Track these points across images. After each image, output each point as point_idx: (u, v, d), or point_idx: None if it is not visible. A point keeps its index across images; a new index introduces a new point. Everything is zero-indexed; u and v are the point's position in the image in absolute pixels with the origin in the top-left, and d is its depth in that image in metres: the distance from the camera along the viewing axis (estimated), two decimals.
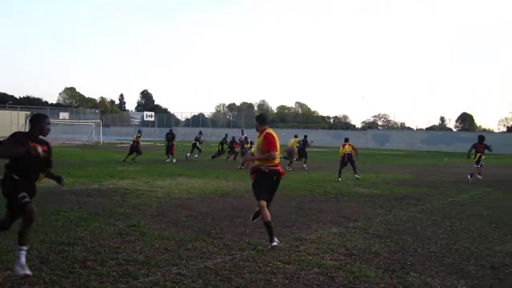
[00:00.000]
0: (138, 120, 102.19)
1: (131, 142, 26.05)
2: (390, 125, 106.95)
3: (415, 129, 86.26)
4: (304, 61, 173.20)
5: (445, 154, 43.84)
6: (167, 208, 10.15)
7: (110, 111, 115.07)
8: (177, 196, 12.10)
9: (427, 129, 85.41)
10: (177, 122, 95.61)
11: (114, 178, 15.81)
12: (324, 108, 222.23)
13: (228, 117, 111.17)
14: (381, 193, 13.79)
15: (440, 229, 8.77)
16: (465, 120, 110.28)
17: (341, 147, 18.91)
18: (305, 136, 25.56)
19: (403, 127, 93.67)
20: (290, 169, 21.28)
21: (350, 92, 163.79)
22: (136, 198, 11.52)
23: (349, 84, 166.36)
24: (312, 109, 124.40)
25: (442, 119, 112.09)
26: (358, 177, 17.73)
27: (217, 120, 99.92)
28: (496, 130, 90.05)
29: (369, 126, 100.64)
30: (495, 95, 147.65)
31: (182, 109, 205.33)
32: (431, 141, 60.70)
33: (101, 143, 47.54)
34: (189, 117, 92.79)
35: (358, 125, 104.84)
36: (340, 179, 17.04)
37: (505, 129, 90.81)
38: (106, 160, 24.80)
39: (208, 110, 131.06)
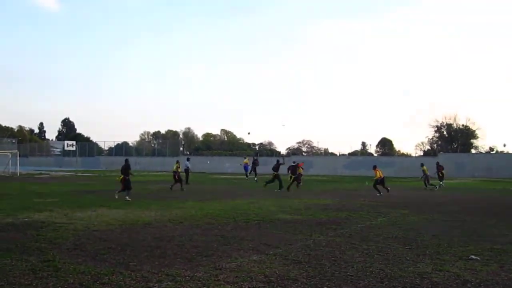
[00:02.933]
0: (58, 150, 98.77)
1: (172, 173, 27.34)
2: (314, 151, 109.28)
3: (338, 154, 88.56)
4: (228, 88, 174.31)
5: (366, 178, 45.25)
6: (85, 241, 9.85)
7: (29, 140, 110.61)
8: (96, 228, 11.76)
9: (349, 154, 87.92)
10: (100, 151, 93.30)
11: (30, 210, 15.16)
12: (250, 135, 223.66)
13: (153, 145, 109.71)
14: (302, 219, 14.02)
15: (357, 252, 9.02)
16: (385, 145, 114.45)
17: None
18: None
19: (326, 153, 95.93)
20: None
21: (274, 119, 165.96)
22: (53, 231, 11.10)
23: (273, 111, 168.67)
24: (238, 136, 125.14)
25: (363, 144, 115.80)
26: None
27: (142, 148, 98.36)
28: (413, 154, 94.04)
29: (294, 152, 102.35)
30: (412, 121, 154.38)
31: (105, 138, 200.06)
32: (352, 166, 62.48)
33: (18, 174, 45.49)
34: (113, 146, 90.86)
35: (283, 151, 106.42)
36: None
37: (421, 153, 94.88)
38: (23, 192, 23.74)
39: (132, 139, 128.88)
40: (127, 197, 19.66)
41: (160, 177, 46.27)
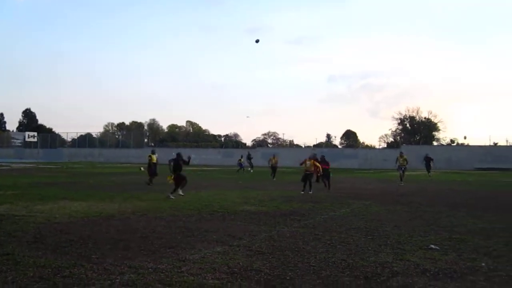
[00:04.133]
0: (19, 141, 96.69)
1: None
2: (279, 143, 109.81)
3: (303, 146, 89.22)
4: (193, 80, 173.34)
5: (331, 169, 45.68)
6: (46, 234, 9.67)
7: None
8: (58, 220, 11.57)
9: (314, 146, 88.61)
10: (62, 142, 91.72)
11: None
12: (215, 126, 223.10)
13: (117, 136, 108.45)
14: (267, 210, 14.08)
15: (320, 243, 9.12)
16: (350, 137, 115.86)
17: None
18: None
19: (291, 144, 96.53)
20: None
21: (239, 111, 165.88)
22: (12, 224, 10.87)
23: (238, 103, 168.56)
24: (203, 128, 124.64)
25: (329, 136, 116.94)
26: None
27: (106, 140, 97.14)
28: (377, 146, 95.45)
29: (259, 144, 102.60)
30: (374, 113, 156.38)
31: (68, 129, 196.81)
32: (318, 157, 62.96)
33: None
34: (76, 137, 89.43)
35: (249, 143, 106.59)
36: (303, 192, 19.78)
37: (385, 145, 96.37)
38: None
39: (96, 130, 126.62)
40: (180, 192, 18.07)
41: (125, 169, 45.80)
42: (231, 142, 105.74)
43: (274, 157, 34.30)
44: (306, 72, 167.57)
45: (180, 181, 18.01)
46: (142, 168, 42.58)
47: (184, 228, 10.56)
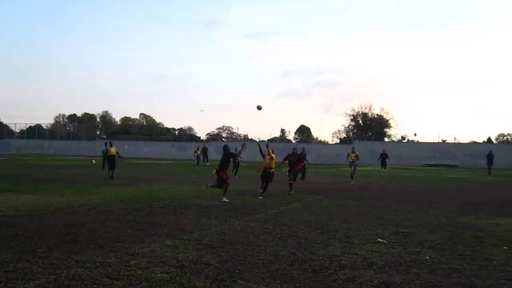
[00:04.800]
0: None
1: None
2: (233, 137, 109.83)
3: (257, 140, 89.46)
4: (148, 72, 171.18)
5: (284, 164, 46.02)
6: None
7: None
8: (3, 214, 11.23)
9: (268, 140, 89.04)
10: (10, 133, 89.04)
11: None
12: (169, 120, 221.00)
13: (68, 128, 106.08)
14: (219, 204, 14.08)
15: (271, 236, 9.19)
16: (303, 132, 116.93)
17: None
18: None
19: (246, 139, 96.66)
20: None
21: (194, 104, 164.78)
22: None
23: (193, 96, 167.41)
24: (157, 121, 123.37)
25: (283, 131, 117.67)
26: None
27: (56, 131, 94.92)
28: (330, 142, 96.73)
29: (213, 138, 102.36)
30: (328, 109, 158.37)
31: (16, 120, 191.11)
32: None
33: None
34: (25, 128, 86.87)
35: (203, 137, 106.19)
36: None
37: (338, 141, 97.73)
38: None
39: (46, 121, 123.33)
40: (224, 198, 15.04)
41: (76, 162, 44.88)
42: (185, 136, 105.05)
43: (236, 150, 31.88)
44: (261, 67, 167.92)
45: (222, 182, 15.42)
46: (93, 161, 41.89)
47: (134, 222, 10.45)
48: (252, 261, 7.21)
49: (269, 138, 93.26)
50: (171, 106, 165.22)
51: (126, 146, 64.67)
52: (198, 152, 44.33)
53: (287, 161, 19.38)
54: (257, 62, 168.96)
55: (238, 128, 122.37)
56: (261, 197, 16.00)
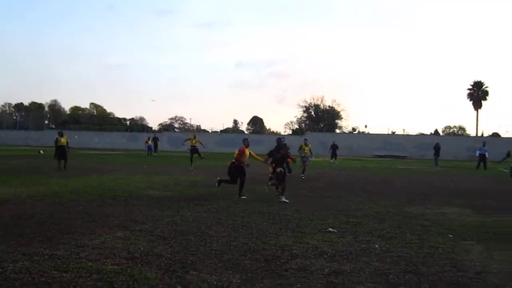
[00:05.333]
0: None
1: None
2: (186, 127, 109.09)
3: (210, 131, 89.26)
4: (98, 61, 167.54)
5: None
6: None
7: None
8: None
9: (221, 131, 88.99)
10: None
11: None
12: (120, 109, 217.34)
13: (14, 117, 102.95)
14: (171, 195, 13.98)
15: (223, 227, 9.20)
16: (256, 123, 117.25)
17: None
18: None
19: (198, 129, 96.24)
20: None
21: (146, 94, 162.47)
22: None
23: (145, 86, 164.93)
24: (108, 111, 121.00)
25: (236, 122, 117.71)
26: None
27: (2, 120, 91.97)
28: (282, 133, 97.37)
29: (166, 128, 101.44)
30: (281, 100, 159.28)
31: None
32: (224, 143, 63.28)
33: None
34: None
35: (155, 127, 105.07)
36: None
37: (290, 132, 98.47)
38: None
39: None
40: (282, 198, 13.43)
41: (23, 152, 43.60)
42: (137, 126, 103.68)
43: (195, 138, 28.92)
44: (214, 57, 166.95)
45: (282, 179, 13.96)
46: (41, 151, 40.84)
47: (84, 213, 10.25)
48: (205, 251, 7.20)
49: (222, 129, 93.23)
50: (123, 96, 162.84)
51: (76, 136, 63.45)
52: (149, 142, 43.86)
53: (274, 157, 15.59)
54: (210, 52, 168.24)
55: (191, 119, 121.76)
56: (245, 197, 13.83)
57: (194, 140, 28.39)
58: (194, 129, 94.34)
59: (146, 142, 44.48)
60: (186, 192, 14.89)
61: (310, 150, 24.50)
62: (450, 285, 5.84)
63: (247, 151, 14.55)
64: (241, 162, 14.37)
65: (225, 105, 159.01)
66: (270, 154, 15.13)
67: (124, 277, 5.71)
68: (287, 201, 13.14)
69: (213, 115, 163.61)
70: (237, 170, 14.24)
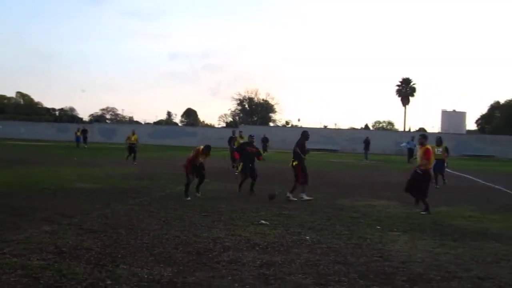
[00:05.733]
0: None
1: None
2: (118, 118, 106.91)
3: (143, 123, 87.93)
4: (24, 48, 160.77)
5: (170, 147, 45.63)
6: None
7: None
8: None
9: (154, 123, 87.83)
10: None
11: None
12: (49, 99, 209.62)
13: None
14: (102, 188, 13.69)
15: (155, 220, 9.10)
16: (190, 115, 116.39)
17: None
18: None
19: (131, 121, 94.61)
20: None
21: (76, 84, 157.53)
22: None
23: (75, 76, 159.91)
24: (36, 100, 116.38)
25: (169, 114, 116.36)
26: None
27: None
28: (216, 125, 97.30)
29: (97, 119, 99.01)
30: (215, 93, 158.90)
31: None
32: (157, 135, 62.56)
33: None
34: None
35: (86, 118, 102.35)
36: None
37: (224, 125, 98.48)
38: None
39: None
40: (304, 196, 12.83)
41: None
42: (67, 117, 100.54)
43: (133, 134, 26.67)
44: (148, 48, 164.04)
45: (305, 174, 13.36)
46: None
47: (9, 207, 9.86)
48: (136, 245, 7.10)
49: (155, 120, 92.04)
50: (51, 85, 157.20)
51: (1, 126, 60.84)
52: (78, 133, 42.74)
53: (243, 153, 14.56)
54: (144, 42, 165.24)
55: (123, 110, 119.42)
56: (199, 194, 12.61)
57: (133, 137, 26.15)
58: (133, 128, 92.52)
59: (76, 133, 43.32)
60: (117, 184, 14.62)
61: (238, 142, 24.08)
62: (377, 274, 6.03)
63: (201, 158, 12.68)
64: (196, 163, 12.67)
65: (158, 97, 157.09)
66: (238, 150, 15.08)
67: (51, 273, 5.54)
68: (309, 198, 12.76)
69: (146, 106, 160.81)
70: (193, 169, 12.60)
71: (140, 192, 12.96)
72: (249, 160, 14.21)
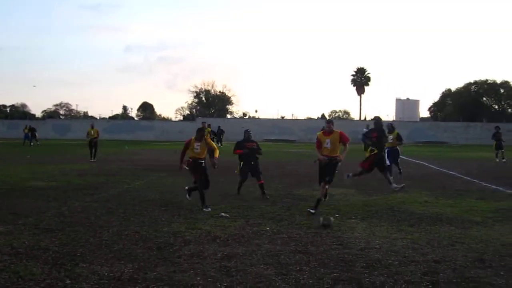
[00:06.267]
0: None
1: None
2: (72, 114, 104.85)
3: (98, 118, 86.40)
4: None
5: (126, 142, 45.06)
6: None
7: None
8: None
9: (109, 118, 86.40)
10: None
11: None
12: None
13: None
14: (58, 185, 13.41)
15: (114, 216, 8.99)
16: (146, 109, 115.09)
17: None
18: None
19: (86, 116, 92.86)
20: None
21: (27, 79, 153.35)
22: None
23: (26, 71, 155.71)
24: None
25: (125, 108, 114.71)
26: None
27: None
28: (173, 119, 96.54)
29: (50, 115, 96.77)
30: (171, 86, 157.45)
31: None
32: (113, 129, 61.62)
33: None
34: None
35: (39, 114, 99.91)
36: None
37: (181, 118, 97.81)
38: None
39: None
40: (396, 185, 12.41)
41: None
42: (18, 113, 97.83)
43: (92, 128, 24.64)
44: (102, 41, 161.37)
45: (371, 163, 12.72)
46: None
47: None
48: (95, 242, 7.00)
49: (111, 115, 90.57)
50: (1, 81, 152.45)
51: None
52: (26, 130, 41.72)
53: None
54: (97, 35, 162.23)
55: (77, 105, 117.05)
56: (209, 209, 9.82)
57: (93, 131, 24.23)
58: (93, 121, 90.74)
59: (24, 130, 42.32)
60: (74, 181, 14.34)
61: (209, 133, 24.01)
62: (337, 262, 6.13)
63: (193, 142, 10.45)
64: (197, 158, 10.45)
65: (113, 91, 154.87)
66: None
67: (7, 274, 5.41)
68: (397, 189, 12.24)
69: (101, 101, 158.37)
70: (195, 168, 10.48)
71: (97, 189, 12.76)
72: (251, 157, 12.48)
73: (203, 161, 10.49)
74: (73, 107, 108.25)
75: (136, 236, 7.41)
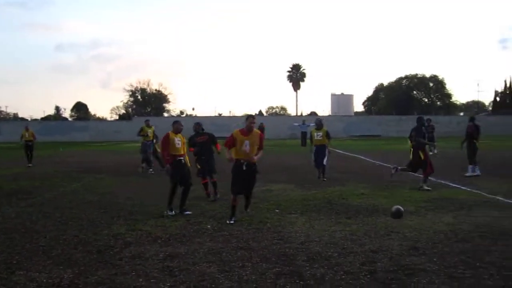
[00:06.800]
0: None
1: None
2: (2, 116, 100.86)
3: (29, 119, 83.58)
4: None
5: (60, 144, 43.71)
6: None
7: None
8: None
9: (42, 119, 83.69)
10: None
11: None
12: None
13: None
14: None
15: (51, 221, 8.77)
16: (80, 109, 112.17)
17: None
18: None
19: (16, 118, 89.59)
20: None
21: None
22: None
23: None
24: None
25: (58, 108, 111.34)
26: None
27: None
28: (109, 118, 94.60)
29: None
30: (105, 85, 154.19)
31: None
32: (46, 131, 59.66)
33: None
34: None
35: None
36: None
37: (117, 117, 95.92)
38: None
39: None
40: (424, 186, 12.02)
41: None
42: None
43: (27, 130, 22.99)
44: (31, 39, 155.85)
45: (425, 166, 12.35)
46: None
47: None
48: (31, 248, 6.82)
49: (43, 116, 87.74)
50: None
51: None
52: None
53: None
54: (25, 33, 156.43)
55: (6, 107, 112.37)
56: (189, 212, 9.43)
57: (27, 134, 22.60)
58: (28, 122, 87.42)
59: None
60: (6, 186, 13.83)
61: (154, 132, 22.71)
62: (279, 256, 6.25)
63: (172, 136, 9.79)
64: (177, 156, 9.75)
65: (45, 91, 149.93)
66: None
67: None
68: (429, 188, 11.93)
69: (32, 101, 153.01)
70: (177, 169, 9.68)
71: (31, 193, 12.37)
72: (205, 154, 11.32)
73: (182, 158, 9.79)
74: (3, 108, 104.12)
75: (75, 240, 7.26)
